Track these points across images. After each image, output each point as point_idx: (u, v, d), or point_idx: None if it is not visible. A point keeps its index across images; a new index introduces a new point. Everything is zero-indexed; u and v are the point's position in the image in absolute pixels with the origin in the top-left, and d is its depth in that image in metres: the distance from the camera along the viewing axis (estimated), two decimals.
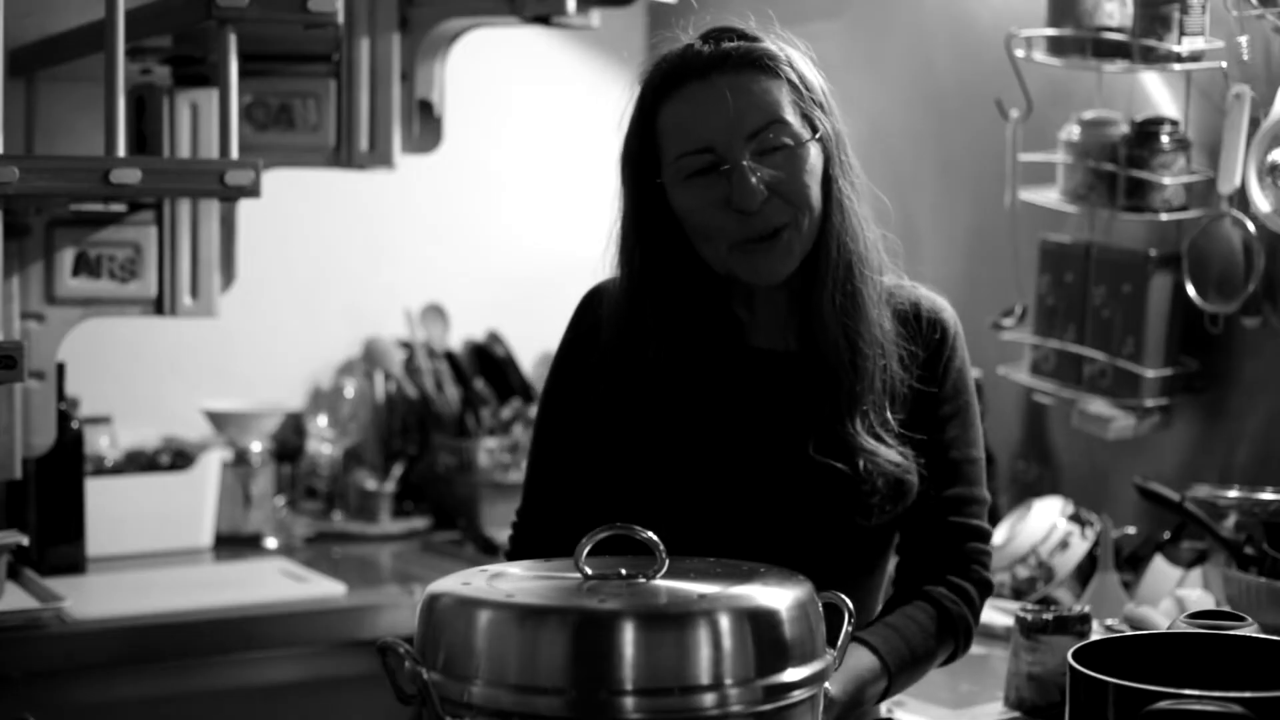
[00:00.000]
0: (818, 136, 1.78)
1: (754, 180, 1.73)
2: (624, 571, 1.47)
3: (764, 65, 1.77)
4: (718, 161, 1.75)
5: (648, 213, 1.81)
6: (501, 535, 3.24)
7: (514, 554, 1.93)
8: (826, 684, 1.48)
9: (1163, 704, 1.38)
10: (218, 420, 3.35)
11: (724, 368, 1.84)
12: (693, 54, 1.78)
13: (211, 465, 3.18)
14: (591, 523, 1.81)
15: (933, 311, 1.90)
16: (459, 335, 3.70)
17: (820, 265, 1.80)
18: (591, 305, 1.92)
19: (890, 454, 1.81)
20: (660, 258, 1.82)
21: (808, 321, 1.83)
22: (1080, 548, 2.61)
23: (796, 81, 1.78)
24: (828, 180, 1.80)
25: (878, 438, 1.81)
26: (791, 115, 1.77)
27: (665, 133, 1.79)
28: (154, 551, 3.08)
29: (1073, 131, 2.65)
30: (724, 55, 1.77)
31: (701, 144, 1.76)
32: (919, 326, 1.88)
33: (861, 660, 1.75)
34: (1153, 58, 2.49)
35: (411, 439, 3.57)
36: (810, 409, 1.82)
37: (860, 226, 1.83)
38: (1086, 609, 2.13)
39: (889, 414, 1.83)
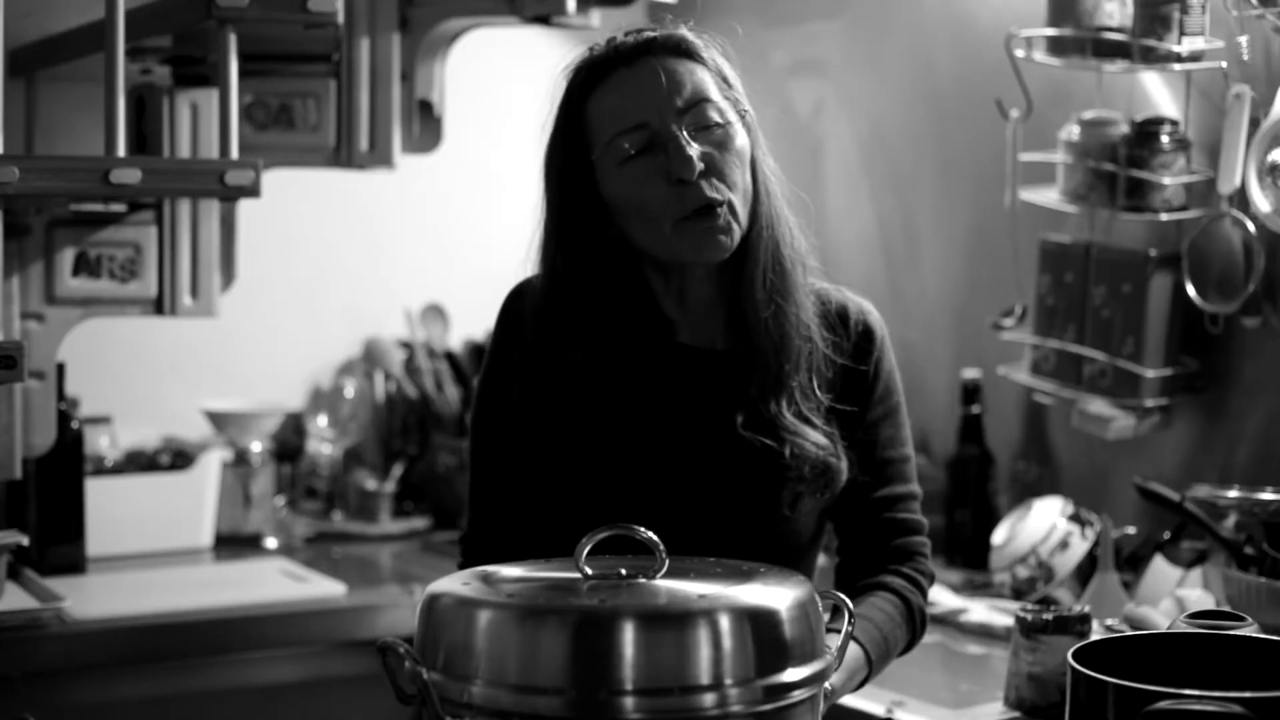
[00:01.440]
0: (743, 116, 1.82)
1: (690, 150, 1.75)
2: (624, 571, 1.46)
3: (687, 51, 1.82)
4: (653, 137, 1.77)
5: (571, 212, 1.83)
6: None
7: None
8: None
9: (1163, 704, 1.38)
10: (218, 420, 3.35)
11: (652, 365, 1.85)
12: (616, 44, 1.84)
13: (211, 465, 3.18)
14: (536, 529, 1.82)
15: (860, 314, 1.92)
16: (459, 335, 3.70)
17: (751, 246, 1.83)
18: (516, 305, 1.93)
19: (816, 436, 1.83)
20: (583, 258, 1.83)
21: (739, 306, 1.85)
22: (1080, 548, 2.61)
23: (718, 69, 1.83)
24: (754, 162, 1.83)
25: (804, 420, 1.83)
26: (717, 96, 1.81)
27: (595, 121, 1.81)
28: (154, 551, 3.08)
29: (1073, 131, 2.65)
30: (649, 41, 1.82)
31: (636, 121, 1.78)
32: (846, 329, 1.90)
33: (850, 652, 1.75)
34: (1153, 58, 2.49)
35: (411, 439, 3.57)
36: (736, 398, 1.84)
37: (784, 209, 1.87)
38: (1086, 609, 2.13)
39: (816, 397, 1.84)
